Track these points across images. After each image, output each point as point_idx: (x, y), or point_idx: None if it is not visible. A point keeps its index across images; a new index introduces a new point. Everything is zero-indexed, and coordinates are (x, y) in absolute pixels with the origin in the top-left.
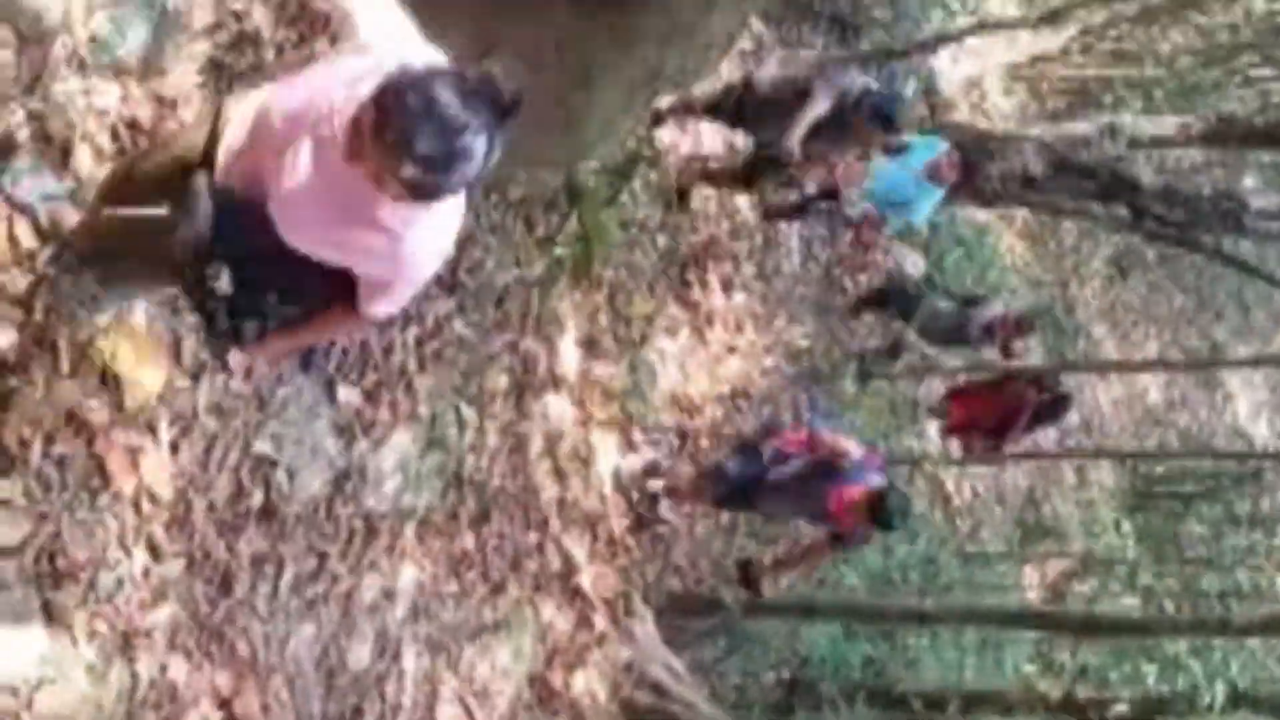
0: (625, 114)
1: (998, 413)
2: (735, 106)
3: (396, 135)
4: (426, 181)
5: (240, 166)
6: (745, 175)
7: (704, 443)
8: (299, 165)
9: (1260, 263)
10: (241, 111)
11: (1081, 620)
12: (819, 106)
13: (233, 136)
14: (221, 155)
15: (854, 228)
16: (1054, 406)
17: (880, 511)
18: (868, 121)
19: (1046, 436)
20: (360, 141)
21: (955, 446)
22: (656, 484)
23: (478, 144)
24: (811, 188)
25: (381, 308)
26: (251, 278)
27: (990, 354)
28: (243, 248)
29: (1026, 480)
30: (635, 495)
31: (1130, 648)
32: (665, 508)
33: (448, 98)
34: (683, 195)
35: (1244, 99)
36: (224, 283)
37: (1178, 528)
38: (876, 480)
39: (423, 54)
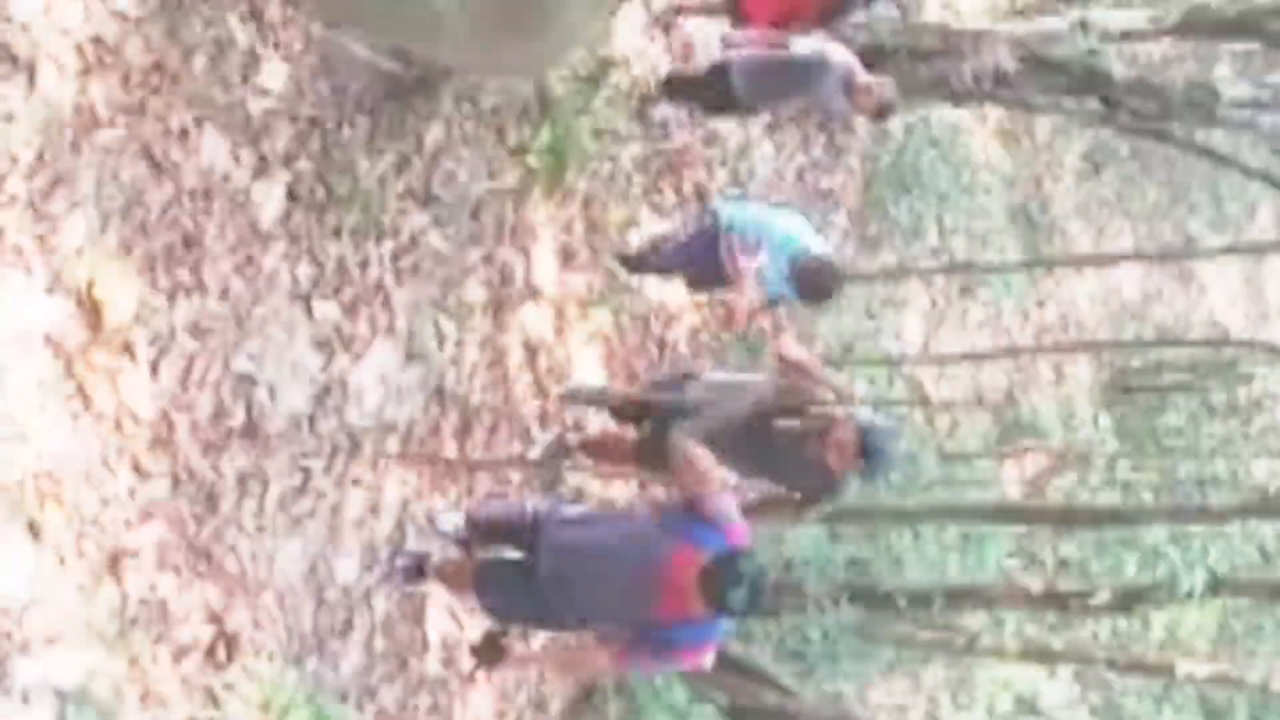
0: (591, 18)
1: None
2: None
3: None
4: None
5: None
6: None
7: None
8: None
9: (1234, 152)
10: None
11: (1061, 512)
12: None
13: None
14: None
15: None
16: None
17: (717, 582)
18: None
19: (1023, 333)
20: None
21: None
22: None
23: None
24: None
25: None
26: None
27: None
28: None
29: (1004, 378)
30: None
31: (1110, 539)
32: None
33: None
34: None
35: None
36: None
37: (1156, 420)
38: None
39: None
